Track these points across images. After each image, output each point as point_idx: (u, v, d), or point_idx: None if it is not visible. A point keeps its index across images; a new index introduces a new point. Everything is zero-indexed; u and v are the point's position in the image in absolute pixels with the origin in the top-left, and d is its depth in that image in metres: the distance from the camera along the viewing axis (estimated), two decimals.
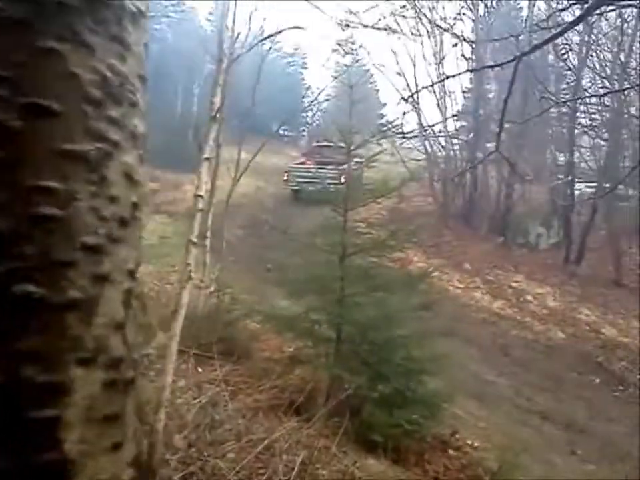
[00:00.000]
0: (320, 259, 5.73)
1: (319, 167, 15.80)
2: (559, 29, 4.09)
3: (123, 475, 0.69)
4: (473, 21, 16.99)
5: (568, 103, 15.04)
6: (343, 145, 6.42)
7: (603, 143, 15.96)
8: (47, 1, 0.66)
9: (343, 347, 5.07)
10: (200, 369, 4.67)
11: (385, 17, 12.92)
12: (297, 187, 16.25)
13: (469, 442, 4.96)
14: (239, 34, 8.12)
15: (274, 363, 5.13)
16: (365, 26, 9.70)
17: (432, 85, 13.08)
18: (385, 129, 6.79)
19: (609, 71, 14.71)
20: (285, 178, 17.44)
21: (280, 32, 7.65)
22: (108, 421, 0.68)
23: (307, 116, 34.83)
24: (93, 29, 0.70)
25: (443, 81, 15.14)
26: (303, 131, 35.87)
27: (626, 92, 13.91)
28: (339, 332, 5.06)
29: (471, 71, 15.21)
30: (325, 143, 19.02)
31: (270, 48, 10.12)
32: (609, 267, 12.72)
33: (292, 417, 4.12)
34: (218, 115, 5.15)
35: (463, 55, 15.94)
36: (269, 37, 8.89)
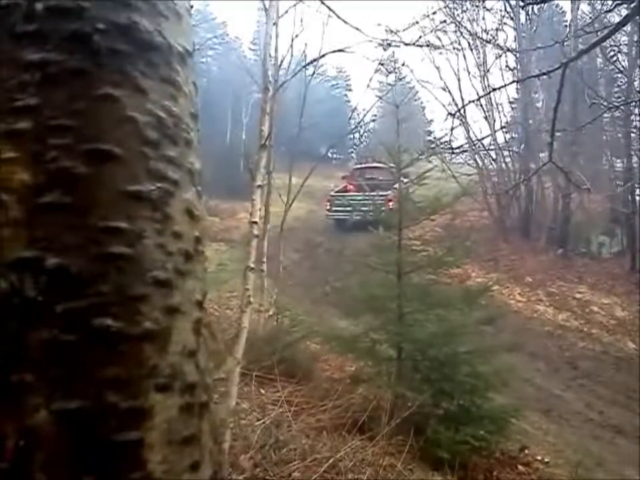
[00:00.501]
0: (377, 278, 5.76)
1: (362, 193, 14.19)
2: (605, 32, 4.03)
3: None
4: (515, 29, 16.77)
5: (621, 107, 14.66)
6: (386, 164, 6.43)
7: None
8: (100, 48, 0.72)
9: (404, 364, 5.06)
10: (262, 391, 4.74)
11: (425, 34, 12.90)
12: (340, 216, 15.32)
13: (539, 457, 4.82)
14: (282, 61, 8.35)
15: (336, 383, 5.15)
16: (406, 44, 9.73)
17: (478, 99, 12.95)
18: (433, 145, 6.79)
19: None
20: (328, 207, 16.30)
21: (323, 56, 7.82)
22: (186, 442, 0.72)
23: (355, 138, 34.99)
24: (145, 72, 0.75)
25: (489, 94, 15.00)
26: (351, 152, 36.04)
27: None
28: (400, 350, 5.05)
29: (517, 81, 14.95)
30: (368, 165, 18.22)
31: (313, 73, 10.29)
32: None
33: (356, 435, 4.12)
34: (267, 143, 5.30)
35: (507, 66, 15.79)
36: (312, 61, 9.09)
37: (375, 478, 3.47)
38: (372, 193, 12.17)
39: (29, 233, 0.68)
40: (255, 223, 5.29)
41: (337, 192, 17.01)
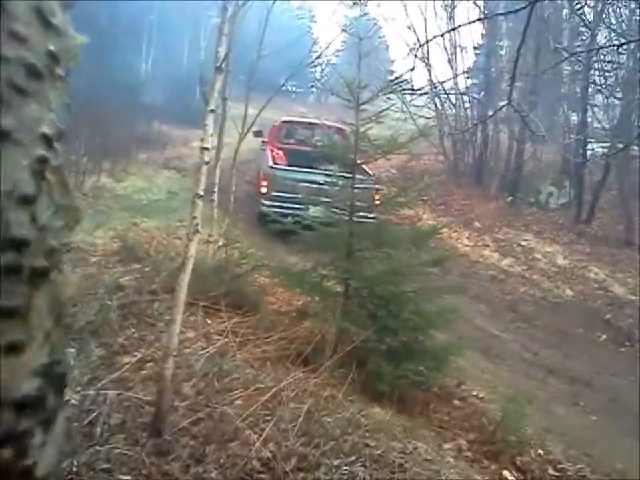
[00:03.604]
0: (328, 215, 5.74)
1: (318, 169, 7.51)
2: None
3: (24, 385, 0.57)
4: None
5: (581, 61, 14.70)
6: (325, 123, 6.09)
7: (616, 102, 15.57)
8: None
9: (351, 301, 5.12)
10: (209, 321, 4.73)
11: None
12: (286, 211, 7.85)
13: (475, 393, 5.03)
14: None
15: (282, 316, 5.18)
16: None
17: (441, 35, 12.66)
18: (394, 83, 6.65)
19: (625, 27, 14.27)
20: (264, 190, 9.58)
21: None
22: (4, 315, 0.56)
23: (315, 71, 34.21)
24: None
25: (452, 30, 14.68)
26: (312, 86, 35.33)
27: None
28: (347, 286, 5.10)
29: (482, 19, 14.64)
30: (300, 119, 13.00)
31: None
32: (619, 227, 12.62)
33: (299, 367, 4.19)
34: (223, 66, 5.06)
35: (474, 2, 15.44)
36: None
37: (316, 408, 3.54)
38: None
39: None
40: (207, 149, 5.11)
41: (274, 163, 10.21)
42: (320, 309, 5.21)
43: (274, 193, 9.31)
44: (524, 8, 3.52)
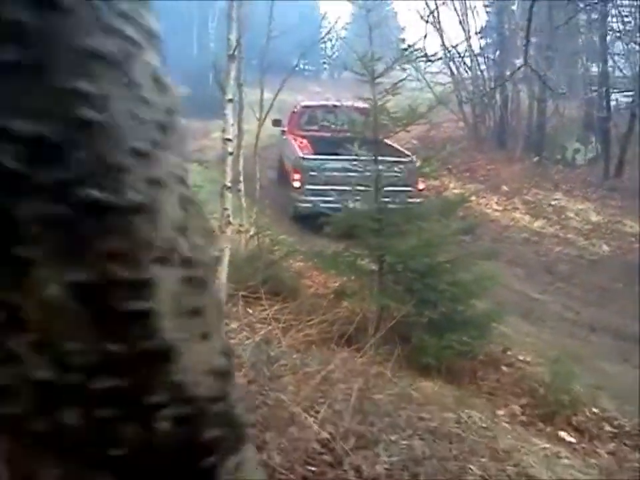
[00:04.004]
0: (355, 192, 5.73)
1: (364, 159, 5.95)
2: None
3: (215, 361, 0.76)
4: None
5: (597, 8, 14.29)
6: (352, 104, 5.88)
7: (637, 47, 15.10)
8: None
9: (387, 277, 5.13)
10: (250, 310, 4.78)
11: None
12: (324, 206, 6.53)
13: (521, 357, 5.03)
14: None
15: (321, 299, 5.22)
16: None
17: None
18: (407, 53, 6.56)
19: None
20: (297, 185, 8.81)
21: None
22: (194, 314, 0.73)
23: (326, 47, 33.73)
24: None
25: None
26: (324, 63, 34.91)
27: None
28: (382, 263, 5.10)
29: None
30: (323, 102, 11.94)
31: None
32: None
33: (344, 348, 4.22)
34: (236, 53, 5.05)
35: None
36: None
37: (366, 386, 3.57)
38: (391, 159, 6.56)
39: None
40: (229, 140, 5.15)
41: (305, 154, 9.19)
42: (357, 288, 5.24)
43: (309, 187, 8.53)
44: None
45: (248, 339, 4.12)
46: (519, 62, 18.26)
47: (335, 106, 10.82)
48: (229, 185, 5.01)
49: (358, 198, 5.70)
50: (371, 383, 3.68)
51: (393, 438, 3.03)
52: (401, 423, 3.20)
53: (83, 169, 0.63)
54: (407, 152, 8.84)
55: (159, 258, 0.69)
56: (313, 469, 2.65)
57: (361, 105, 6.77)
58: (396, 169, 6.55)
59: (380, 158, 5.53)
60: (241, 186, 6.31)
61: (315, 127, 10.97)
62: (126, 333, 0.67)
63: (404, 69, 8.62)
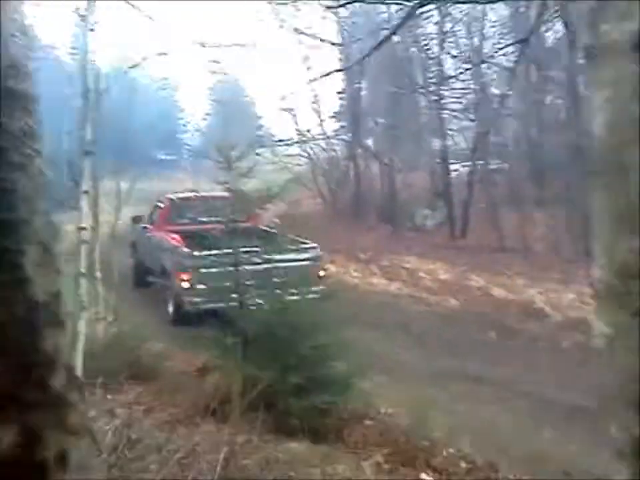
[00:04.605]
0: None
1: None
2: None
3: None
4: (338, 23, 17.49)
5: (433, 91, 16.05)
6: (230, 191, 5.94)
7: (471, 124, 16.98)
8: None
9: (250, 347, 5.23)
10: (110, 397, 4.65)
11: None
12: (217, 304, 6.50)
13: (383, 411, 5.27)
14: (100, 67, 8.07)
15: (185, 377, 5.19)
16: (226, 45, 9.90)
17: (298, 90, 13.41)
18: (263, 138, 7.03)
19: (468, 55, 15.74)
20: (187, 287, 7.87)
21: (145, 59, 7.69)
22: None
23: (186, 138, 34.42)
24: None
25: (313, 81, 15.27)
26: (185, 154, 35.48)
27: (484, 73, 15.13)
28: (244, 334, 5.21)
29: (339, 70, 15.51)
30: (193, 195, 10.32)
31: (136, 77, 10.07)
32: (492, 236, 13.67)
33: (210, 421, 4.24)
34: (91, 150, 5.20)
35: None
36: (135, 65, 8.91)
37: (232, 454, 3.61)
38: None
39: None
40: (84, 229, 5.15)
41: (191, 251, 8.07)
42: (221, 362, 5.28)
43: (200, 286, 7.54)
44: (367, 56, 3.95)
45: (107, 425, 4.01)
46: (370, 141, 19.85)
47: (203, 197, 9.68)
48: (84, 271, 4.95)
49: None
50: (237, 450, 3.72)
51: None
52: None
53: None
54: (304, 240, 9.02)
55: None
56: None
57: (227, 194, 6.33)
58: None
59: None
60: (97, 274, 6.22)
61: (186, 220, 9.91)
62: None
63: (257, 154, 9.04)
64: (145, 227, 10.45)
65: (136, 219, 10.47)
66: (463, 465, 4.52)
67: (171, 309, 8.26)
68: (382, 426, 4.95)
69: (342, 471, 3.71)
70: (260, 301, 5.51)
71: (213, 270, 6.99)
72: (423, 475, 4.24)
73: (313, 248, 8.69)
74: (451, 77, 14.93)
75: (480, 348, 7.46)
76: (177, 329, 6.44)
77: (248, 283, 5.74)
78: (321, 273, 8.36)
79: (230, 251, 6.06)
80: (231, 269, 6.24)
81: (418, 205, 16.74)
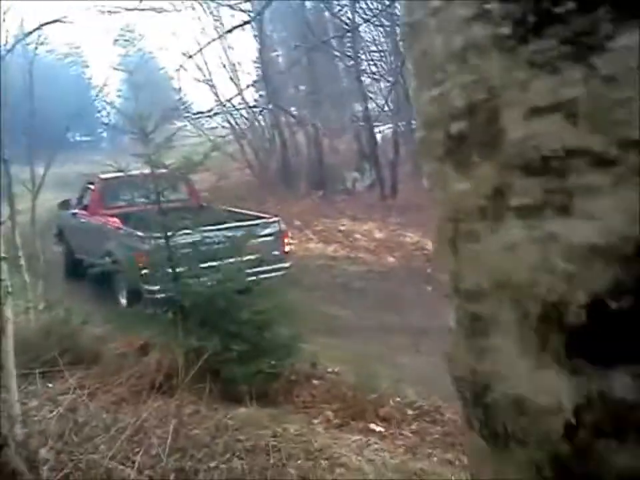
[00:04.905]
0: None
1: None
2: None
3: None
4: None
5: (350, 55, 16.05)
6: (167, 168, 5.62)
7: (390, 86, 17.03)
8: None
9: (190, 320, 5.18)
10: (50, 385, 4.51)
11: None
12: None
13: (330, 370, 5.38)
14: None
15: (126, 358, 5.09)
16: (129, 9, 9.48)
17: (210, 43, 12.82)
18: (178, 109, 6.81)
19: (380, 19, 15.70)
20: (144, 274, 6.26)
21: (42, 26, 7.26)
22: None
23: (102, 115, 32.94)
24: None
25: (219, 37, 14.70)
26: (102, 132, 34.05)
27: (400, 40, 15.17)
28: (182, 308, 5.15)
29: (243, 24, 14.86)
30: (112, 175, 8.50)
31: (37, 47, 9.50)
32: (420, 194, 13.95)
33: (156, 397, 4.19)
34: None
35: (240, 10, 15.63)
36: (29, 33, 8.42)
37: (181, 425, 3.59)
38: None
39: None
40: None
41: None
42: (162, 339, 5.21)
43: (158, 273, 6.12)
44: (255, 17, 3.88)
45: (51, 412, 3.90)
46: (294, 109, 19.71)
47: (135, 176, 7.73)
48: (5, 255, 4.73)
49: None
50: (187, 421, 3.71)
51: (212, 464, 3.11)
52: (219, 450, 3.28)
53: None
54: (266, 215, 8.91)
55: None
56: None
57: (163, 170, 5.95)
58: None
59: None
60: (22, 261, 5.96)
61: (122, 203, 8.79)
62: None
63: (175, 124, 8.76)
64: (74, 213, 9.68)
65: (63, 205, 9.73)
66: (410, 412, 4.69)
67: (123, 298, 7.58)
68: (329, 384, 5.05)
69: (293, 430, 3.77)
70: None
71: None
72: (373, 425, 4.37)
73: (274, 222, 8.32)
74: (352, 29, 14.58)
75: (418, 301, 7.67)
76: (120, 311, 6.23)
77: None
78: (287, 249, 8.36)
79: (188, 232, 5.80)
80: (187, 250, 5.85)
81: (346, 169, 16.87)
